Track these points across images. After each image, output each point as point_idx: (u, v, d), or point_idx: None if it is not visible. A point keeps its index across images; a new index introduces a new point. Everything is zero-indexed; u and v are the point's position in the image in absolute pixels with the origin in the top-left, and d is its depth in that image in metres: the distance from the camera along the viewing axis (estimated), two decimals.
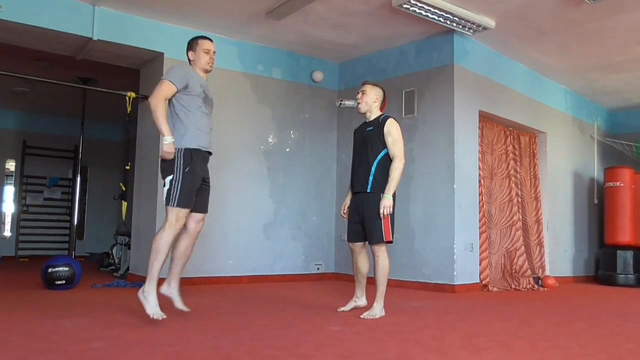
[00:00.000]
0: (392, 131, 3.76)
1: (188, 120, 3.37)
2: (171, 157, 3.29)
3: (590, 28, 5.42)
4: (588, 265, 7.90)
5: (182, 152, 3.33)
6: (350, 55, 6.53)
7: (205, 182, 3.51)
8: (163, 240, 3.28)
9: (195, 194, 3.39)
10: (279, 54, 6.34)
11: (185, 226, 3.45)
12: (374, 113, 3.92)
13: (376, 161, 3.76)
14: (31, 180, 9.75)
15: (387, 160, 3.76)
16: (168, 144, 3.27)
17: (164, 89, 3.32)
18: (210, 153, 3.54)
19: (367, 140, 3.82)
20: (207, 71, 3.56)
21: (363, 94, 3.90)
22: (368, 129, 3.86)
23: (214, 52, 3.59)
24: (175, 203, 3.29)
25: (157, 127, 3.29)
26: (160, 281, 3.35)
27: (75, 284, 5.04)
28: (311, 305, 4.30)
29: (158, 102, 3.28)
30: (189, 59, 3.57)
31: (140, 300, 3.26)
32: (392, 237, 3.73)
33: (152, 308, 3.20)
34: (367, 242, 3.87)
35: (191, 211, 3.42)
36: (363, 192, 3.79)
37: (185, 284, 5.20)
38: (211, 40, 3.60)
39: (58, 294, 4.62)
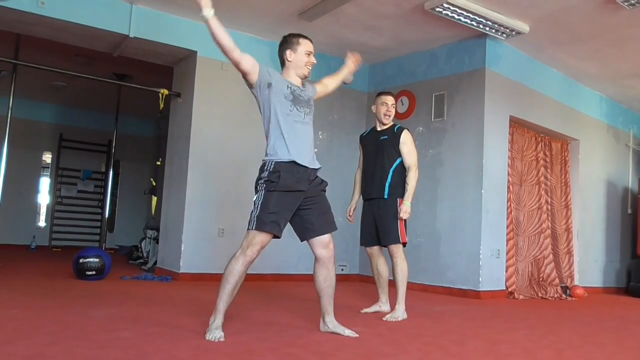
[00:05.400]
0: (408, 142, 3.93)
1: (277, 128, 2.89)
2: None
3: (628, 34, 5.30)
4: (619, 276, 7.71)
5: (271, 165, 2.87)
6: (380, 58, 6.52)
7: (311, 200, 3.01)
8: (230, 267, 2.81)
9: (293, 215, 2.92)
10: None
11: (315, 255, 3.04)
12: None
13: (392, 169, 3.89)
14: (66, 172, 10.01)
15: (402, 168, 3.90)
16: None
17: (246, 59, 2.80)
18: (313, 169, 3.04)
19: (382, 148, 3.93)
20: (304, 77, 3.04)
21: (393, 108, 4.00)
22: (382, 137, 3.97)
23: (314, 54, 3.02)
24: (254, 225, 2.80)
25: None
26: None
27: (105, 275, 5.17)
28: (334, 305, 4.30)
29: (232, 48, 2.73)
30: (285, 60, 2.97)
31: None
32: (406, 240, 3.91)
33: (212, 334, 2.73)
34: (382, 247, 4.00)
35: (315, 236, 3.00)
36: (380, 198, 3.90)
37: (211, 280, 5.30)
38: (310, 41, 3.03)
39: (88, 284, 4.74)
